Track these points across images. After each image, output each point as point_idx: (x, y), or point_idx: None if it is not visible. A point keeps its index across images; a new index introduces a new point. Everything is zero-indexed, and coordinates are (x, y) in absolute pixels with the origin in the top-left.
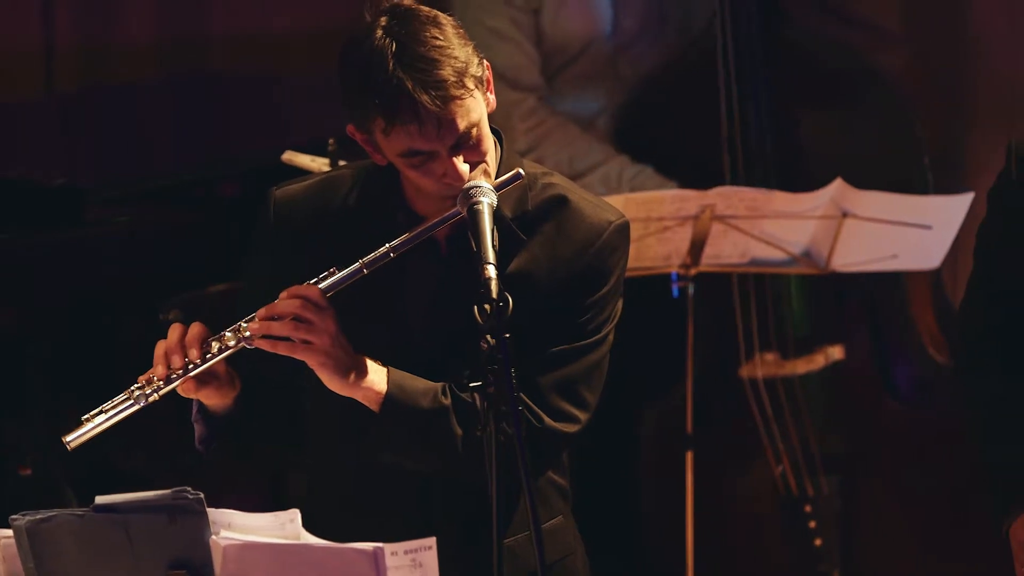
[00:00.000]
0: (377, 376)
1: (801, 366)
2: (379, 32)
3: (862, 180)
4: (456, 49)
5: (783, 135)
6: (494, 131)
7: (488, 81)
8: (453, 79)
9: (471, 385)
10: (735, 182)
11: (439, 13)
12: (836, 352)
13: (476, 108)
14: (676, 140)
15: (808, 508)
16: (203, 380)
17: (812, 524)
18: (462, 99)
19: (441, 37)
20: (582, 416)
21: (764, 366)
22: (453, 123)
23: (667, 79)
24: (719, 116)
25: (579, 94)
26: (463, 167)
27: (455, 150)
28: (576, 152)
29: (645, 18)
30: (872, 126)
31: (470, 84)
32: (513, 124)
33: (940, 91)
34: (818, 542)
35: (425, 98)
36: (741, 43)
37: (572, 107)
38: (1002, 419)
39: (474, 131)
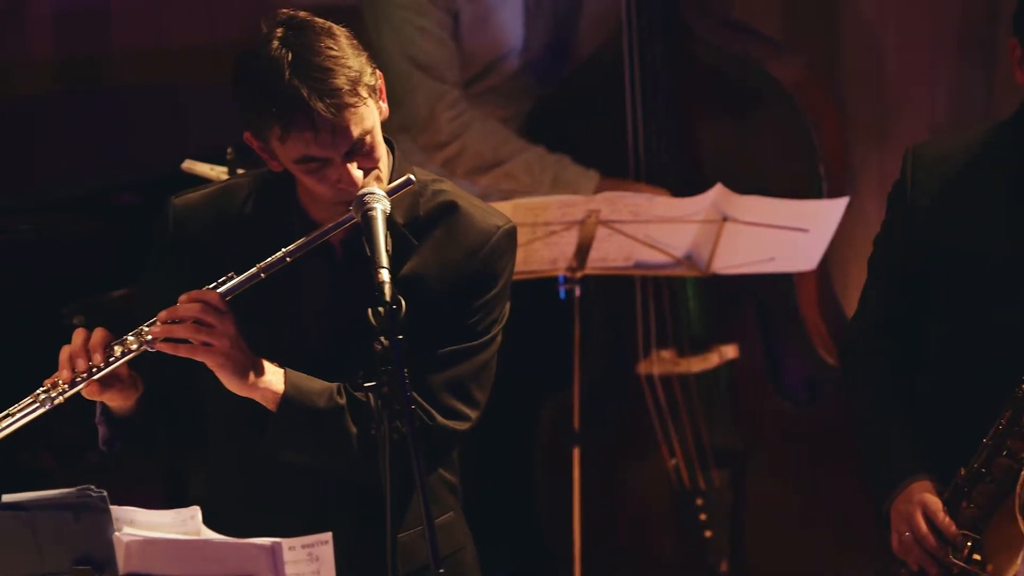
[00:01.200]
0: (274, 377)
1: (696, 364)
2: (275, 43)
3: (759, 187)
4: (350, 59)
5: (684, 143)
6: (386, 139)
7: (381, 90)
8: (347, 88)
9: (366, 385)
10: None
11: (333, 24)
12: (730, 351)
13: (369, 116)
14: (582, 147)
15: (699, 501)
16: (106, 383)
17: (703, 516)
18: (356, 107)
19: (335, 47)
20: (472, 414)
21: (660, 363)
22: (347, 130)
23: (574, 88)
24: (624, 124)
25: (487, 105)
26: (357, 173)
27: (349, 157)
28: (497, 142)
29: (553, 36)
30: (770, 134)
31: (364, 93)
32: (438, 115)
33: (834, 100)
34: (708, 534)
35: (320, 106)
36: (645, 55)
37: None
38: (879, 414)
39: (367, 138)
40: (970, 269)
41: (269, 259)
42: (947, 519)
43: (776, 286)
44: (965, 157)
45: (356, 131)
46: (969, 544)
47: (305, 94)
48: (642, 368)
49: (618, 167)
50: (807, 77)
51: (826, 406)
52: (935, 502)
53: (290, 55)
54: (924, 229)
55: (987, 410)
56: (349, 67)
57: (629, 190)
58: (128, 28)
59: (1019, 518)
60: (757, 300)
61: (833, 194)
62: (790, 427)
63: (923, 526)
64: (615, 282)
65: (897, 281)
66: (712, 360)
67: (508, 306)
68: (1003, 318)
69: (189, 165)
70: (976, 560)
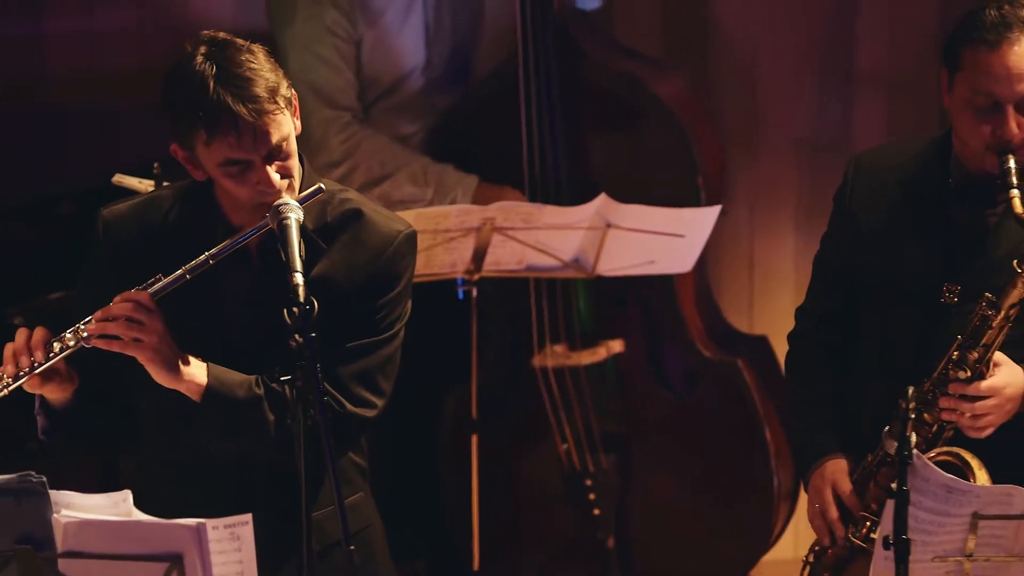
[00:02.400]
0: (199, 370)
1: (586, 357)
2: (200, 58)
3: (644, 197)
4: (268, 71)
5: (576, 155)
6: (298, 154)
7: (295, 106)
8: (266, 95)
9: (282, 379)
10: (533, 198)
11: (252, 43)
12: (616, 346)
13: (286, 124)
14: (482, 159)
15: (588, 482)
16: (46, 377)
17: (592, 496)
18: (274, 114)
19: (254, 61)
20: (379, 402)
21: (554, 357)
22: (267, 134)
23: (475, 104)
24: (520, 137)
25: (394, 121)
26: (275, 176)
27: (268, 160)
28: (385, 157)
29: (453, 55)
30: (653, 148)
31: (281, 102)
32: (329, 139)
33: (710, 115)
34: (597, 512)
35: (243, 110)
36: (540, 73)
37: (389, 131)
38: (809, 398)
39: (284, 144)
40: (890, 275)
41: (193, 262)
42: (855, 499)
43: (658, 287)
44: (898, 169)
45: (275, 136)
46: (868, 524)
47: (229, 101)
48: (537, 361)
49: (515, 177)
50: (687, 95)
51: (703, 395)
52: (845, 482)
53: (214, 68)
54: (858, 233)
55: (893, 399)
56: (267, 78)
57: (505, 196)
58: (63, 53)
59: None
60: (641, 299)
61: (711, 202)
62: (670, 415)
63: (830, 501)
64: (513, 283)
65: (835, 278)
66: (600, 354)
67: (410, 304)
68: (916, 322)
69: (119, 179)
70: (873, 539)
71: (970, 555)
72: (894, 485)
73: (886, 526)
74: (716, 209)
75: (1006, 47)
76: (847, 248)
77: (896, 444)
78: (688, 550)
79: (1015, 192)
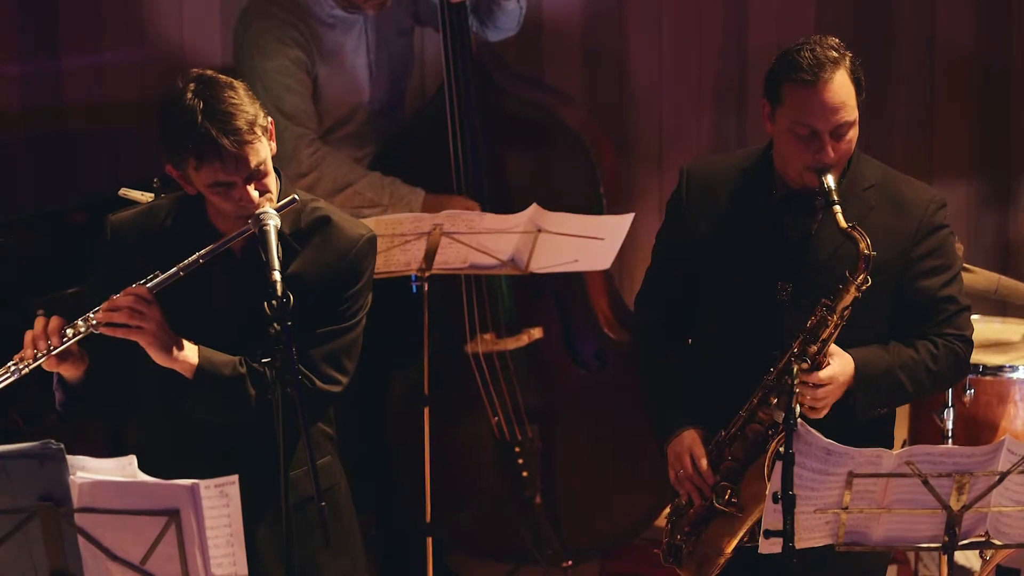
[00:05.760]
0: (191, 352)
1: (511, 343)
2: (189, 95)
3: (553, 206)
4: (247, 106)
5: (495, 171)
6: (275, 168)
7: (271, 132)
8: (246, 128)
9: (263, 361)
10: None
11: (233, 79)
12: (536, 333)
13: (263, 150)
14: (418, 177)
15: (517, 449)
16: (62, 357)
17: (520, 461)
18: (252, 143)
19: (236, 97)
20: (344, 379)
21: (483, 343)
22: (246, 160)
23: (412, 131)
24: (449, 158)
25: (346, 148)
26: (254, 193)
27: (248, 181)
28: (346, 170)
29: (390, 90)
30: (561, 165)
31: (258, 132)
32: (299, 150)
33: (611, 138)
34: (524, 474)
35: (226, 142)
36: (463, 105)
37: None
38: (659, 376)
39: (262, 167)
40: (729, 276)
41: (186, 261)
42: (709, 469)
43: (570, 282)
44: (726, 178)
45: (253, 161)
46: (729, 491)
47: (214, 133)
48: (470, 348)
49: (445, 190)
50: (589, 120)
51: (611, 372)
52: (701, 451)
53: (201, 104)
54: (692, 235)
55: (736, 383)
56: (246, 112)
57: (450, 203)
58: (77, 86)
59: (766, 476)
60: (555, 293)
61: (611, 210)
62: (584, 389)
63: (691, 467)
64: (447, 284)
65: (672, 272)
66: (523, 340)
67: (371, 297)
68: (755, 316)
69: (124, 191)
70: (733, 503)
71: (846, 508)
72: (782, 449)
73: (775, 484)
74: (630, 216)
75: (821, 85)
76: (683, 247)
77: (783, 414)
78: (602, 504)
79: (837, 208)
